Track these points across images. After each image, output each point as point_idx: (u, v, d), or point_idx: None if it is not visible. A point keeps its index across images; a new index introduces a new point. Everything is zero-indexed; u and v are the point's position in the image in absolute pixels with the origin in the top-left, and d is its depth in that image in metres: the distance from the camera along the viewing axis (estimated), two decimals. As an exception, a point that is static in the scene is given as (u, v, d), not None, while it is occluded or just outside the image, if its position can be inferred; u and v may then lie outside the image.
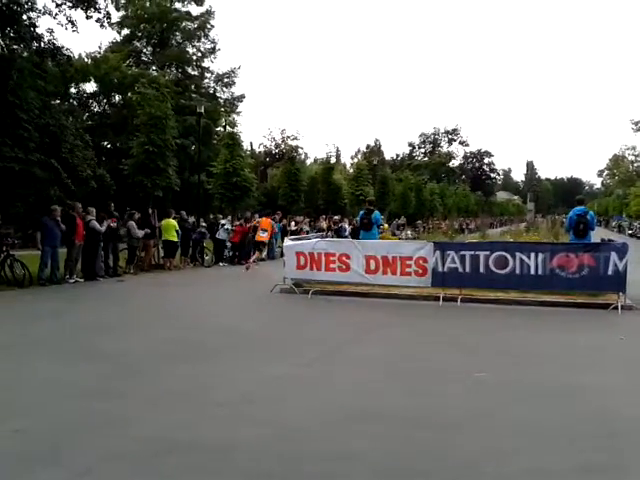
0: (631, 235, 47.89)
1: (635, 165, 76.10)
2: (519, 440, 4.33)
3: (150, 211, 18.52)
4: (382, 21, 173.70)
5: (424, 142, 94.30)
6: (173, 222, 17.93)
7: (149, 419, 4.71)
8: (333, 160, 49.17)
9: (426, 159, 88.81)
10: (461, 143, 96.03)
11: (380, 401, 5.24)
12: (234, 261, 20.09)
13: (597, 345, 7.78)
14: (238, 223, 21.42)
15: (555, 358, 7.00)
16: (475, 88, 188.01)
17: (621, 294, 10.31)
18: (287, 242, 13.62)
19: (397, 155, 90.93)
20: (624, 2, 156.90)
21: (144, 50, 44.31)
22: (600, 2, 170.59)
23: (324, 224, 26.26)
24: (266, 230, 19.02)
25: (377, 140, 71.86)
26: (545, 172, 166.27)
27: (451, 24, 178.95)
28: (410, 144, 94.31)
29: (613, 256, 10.33)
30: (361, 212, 14.99)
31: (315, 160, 49.38)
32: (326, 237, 18.02)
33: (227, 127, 34.52)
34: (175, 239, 17.78)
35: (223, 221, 20.61)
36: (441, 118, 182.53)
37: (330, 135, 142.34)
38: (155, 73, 30.05)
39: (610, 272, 10.28)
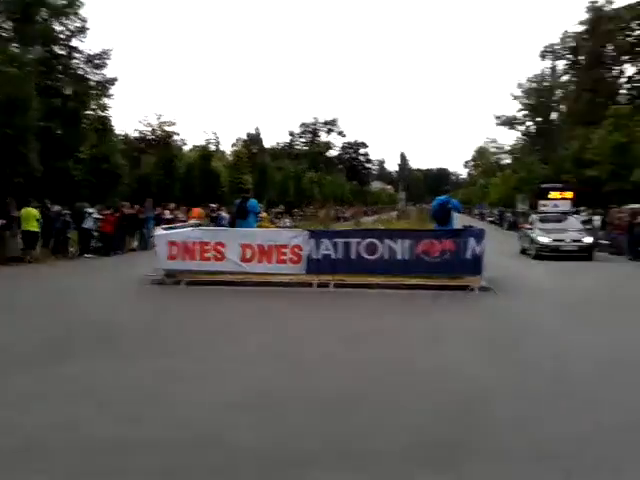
0: (491, 222, 51.88)
1: (496, 157, 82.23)
2: (392, 418, 4.52)
3: (7, 200, 16.98)
4: (263, 7, 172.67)
5: (304, 132, 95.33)
6: (34, 211, 16.59)
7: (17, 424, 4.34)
8: (213, 148, 48.13)
9: (306, 148, 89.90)
10: (339, 134, 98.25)
11: (265, 386, 5.25)
12: (103, 252, 18.96)
13: (459, 324, 8.32)
14: (108, 212, 20.25)
15: (422, 336, 7.41)
16: (353, 80, 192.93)
17: (478, 276, 11.11)
18: (159, 231, 13.13)
19: (277, 144, 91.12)
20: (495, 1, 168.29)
21: (3, 25, 40.32)
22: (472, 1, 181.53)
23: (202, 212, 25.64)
24: (197, 219, 18.62)
25: (257, 128, 71.24)
26: (417, 163, 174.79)
27: (330, 17, 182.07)
28: (290, 133, 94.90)
29: (472, 241, 11.08)
30: (237, 201, 14.84)
31: (194, 147, 48.03)
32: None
33: (97, 111, 32.48)
34: (36, 229, 16.46)
35: (90, 209, 19.29)
36: (321, 108, 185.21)
37: (209, 122, 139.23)
38: (17, 50, 27.44)
39: (469, 256, 11.03)
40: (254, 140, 66.22)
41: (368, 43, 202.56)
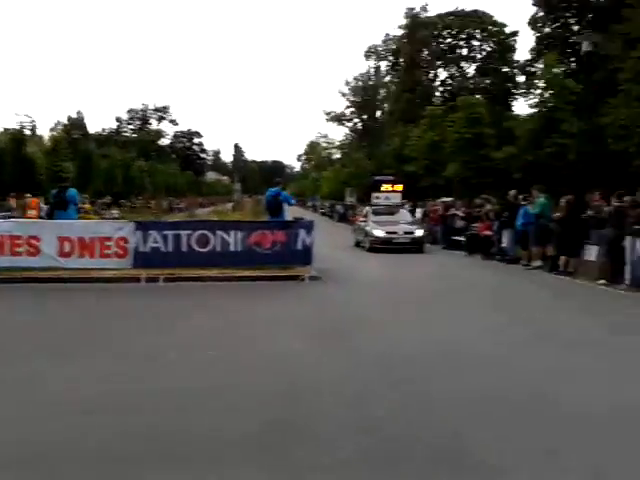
0: (322, 214, 53.94)
1: (327, 151, 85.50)
2: (217, 407, 4.40)
3: None
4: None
5: (132, 118, 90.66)
6: None
7: None
8: (28, 132, 43.65)
9: (135, 136, 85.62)
10: (171, 122, 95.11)
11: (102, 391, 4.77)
12: None
13: (289, 313, 8.45)
14: None
15: (253, 327, 7.40)
16: (186, 67, 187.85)
17: (308, 266, 11.42)
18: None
19: (103, 130, 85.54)
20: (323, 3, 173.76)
21: None
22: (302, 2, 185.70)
23: (13, 202, 23.16)
24: (34, 210, 16.41)
25: (80, 112, 66.07)
26: (252, 154, 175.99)
27: (163, 4, 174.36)
28: (118, 119, 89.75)
29: (302, 233, 11.35)
30: (54, 190, 13.59)
31: (5, 130, 43.14)
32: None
33: None
34: None
35: None
36: (151, 95, 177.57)
37: (23, 103, 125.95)
38: None
39: (299, 247, 11.29)
40: (76, 125, 61.50)
41: (202, 31, 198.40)
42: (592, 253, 12.24)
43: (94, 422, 4.23)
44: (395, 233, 18.26)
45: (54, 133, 46.31)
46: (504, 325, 7.80)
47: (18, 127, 40.32)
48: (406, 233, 18.31)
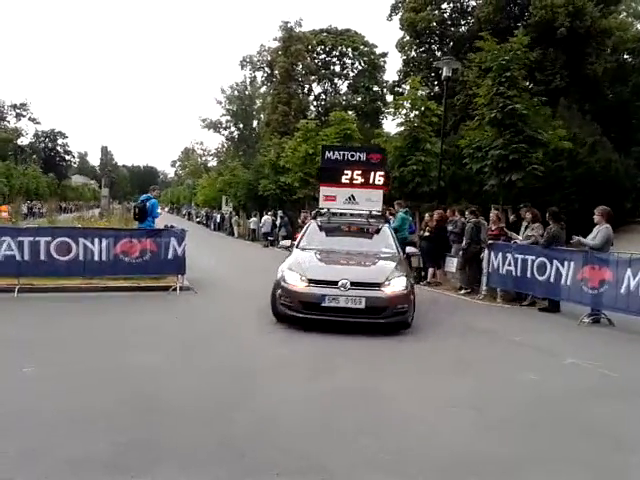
0: (198, 222, 52.88)
1: (203, 158, 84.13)
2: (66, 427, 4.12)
3: None
4: None
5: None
6: None
7: None
8: None
9: (-11, 133, 78.37)
10: (31, 120, 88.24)
11: None
12: None
13: (153, 325, 8.18)
14: None
15: (111, 340, 7.11)
16: (50, 63, 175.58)
17: (180, 276, 11.13)
18: None
19: (-50, 125, 77.44)
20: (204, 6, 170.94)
21: None
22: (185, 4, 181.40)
23: None
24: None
25: None
26: (123, 159, 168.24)
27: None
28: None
29: (173, 241, 11.05)
30: None
31: None
32: None
33: None
34: None
35: None
36: (6, 89, 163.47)
37: None
38: None
39: (170, 256, 10.98)
40: None
41: (69, 26, 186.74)
42: (453, 265, 13.18)
43: None
44: (335, 284, 8.04)
45: None
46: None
47: None
48: (363, 286, 8.09)
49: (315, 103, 53.87)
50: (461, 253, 12.57)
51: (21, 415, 4.51)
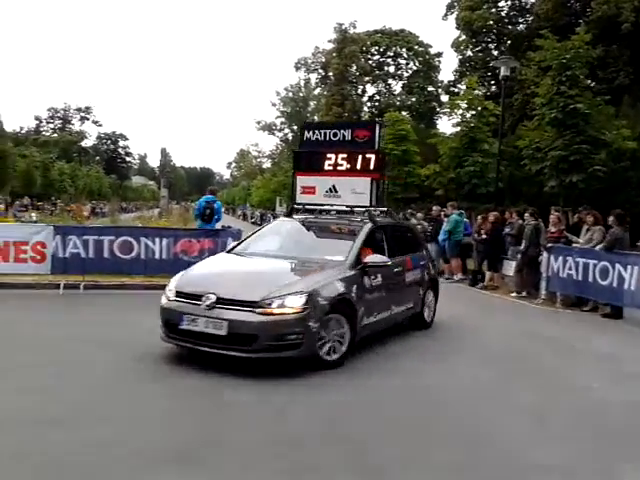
0: (253, 222, 53.70)
1: (257, 160, 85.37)
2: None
3: None
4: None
5: (53, 117, 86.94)
6: None
7: None
8: None
9: (55, 136, 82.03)
10: (94, 123, 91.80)
11: None
12: None
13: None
14: None
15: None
16: (113, 69, 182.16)
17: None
18: None
19: (21, 128, 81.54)
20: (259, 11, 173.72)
21: None
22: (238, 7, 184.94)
23: None
24: None
25: (-5, 109, 62.72)
26: (180, 160, 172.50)
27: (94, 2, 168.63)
28: (37, 118, 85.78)
29: (230, 241, 11.26)
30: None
31: None
32: None
33: None
34: None
35: None
36: (72, 94, 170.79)
37: None
38: None
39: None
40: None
41: (130, 32, 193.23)
42: (510, 268, 12.90)
43: None
44: (198, 300, 5.96)
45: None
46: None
47: None
48: (232, 304, 5.83)
49: (369, 104, 53.68)
50: (519, 256, 12.30)
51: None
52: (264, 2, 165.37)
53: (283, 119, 68.23)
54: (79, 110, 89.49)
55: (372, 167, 8.13)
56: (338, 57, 49.02)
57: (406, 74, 53.17)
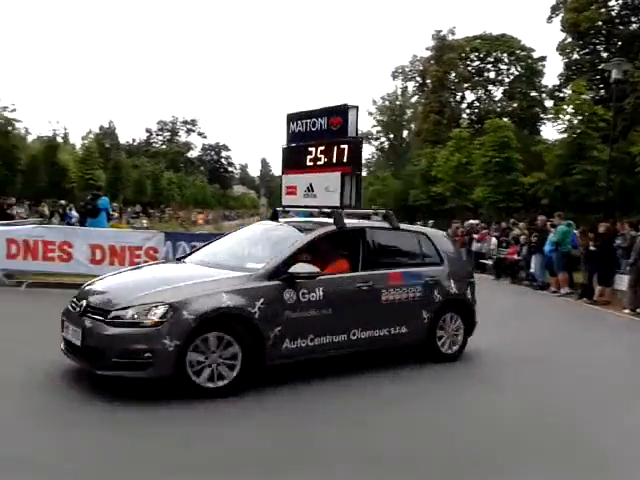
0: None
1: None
2: None
3: None
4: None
5: (162, 129, 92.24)
6: None
7: None
8: (60, 140, 44.84)
9: (164, 147, 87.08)
10: (200, 134, 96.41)
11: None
12: None
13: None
14: None
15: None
16: (214, 81, 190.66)
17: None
18: (-4, 227, 11.89)
19: (133, 140, 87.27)
20: (352, 19, 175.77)
21: None
22: (332, 17, 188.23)
23: (46, 209, 23.80)
24: None
25: (111, 122, 67.51)
26: (279, 169, 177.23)
27: (190, 12, 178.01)
28: (147, 130, 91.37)
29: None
30: (87, 198, 14.00)
31: (38, 137, 44.39)
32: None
33: None
34: None
35: None
36: (179, 107, 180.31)
37: (56, 112, 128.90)
38: None
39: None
40: (108, 134, 62.78)
41: (233, 47, 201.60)
42: (623, 282, 12.12)
43: None
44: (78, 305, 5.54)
45: (86, 142, 47.34)
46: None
47: (51, 135, 41.47)
48: (95, 312, 5.26)
49: (468, 111, 52.56)
50: (628, 269, 11.54)
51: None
52: (360, 13, 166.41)
53: (379, 128, 68.25)
54: (185, 123, 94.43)
55: (343, 160, 6.72)
56: (436, 64, 48.50)
57: (507, 79, 51.58)
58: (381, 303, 6.22)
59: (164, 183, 53.83)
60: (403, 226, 7.24)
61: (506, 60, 51.19)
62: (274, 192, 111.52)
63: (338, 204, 6.55)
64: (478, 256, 19.28)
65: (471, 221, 22.75)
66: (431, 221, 27.29)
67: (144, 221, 29.94)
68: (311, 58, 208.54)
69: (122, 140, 71.32)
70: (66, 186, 35.87)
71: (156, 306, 5.00)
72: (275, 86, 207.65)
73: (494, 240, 18.67)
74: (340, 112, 6.96)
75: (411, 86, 60.84)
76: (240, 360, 5.18)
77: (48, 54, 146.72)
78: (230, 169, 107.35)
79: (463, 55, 50.42)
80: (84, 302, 5.35)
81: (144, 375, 4.96)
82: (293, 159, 7.57)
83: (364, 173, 74.61)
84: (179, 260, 7.00)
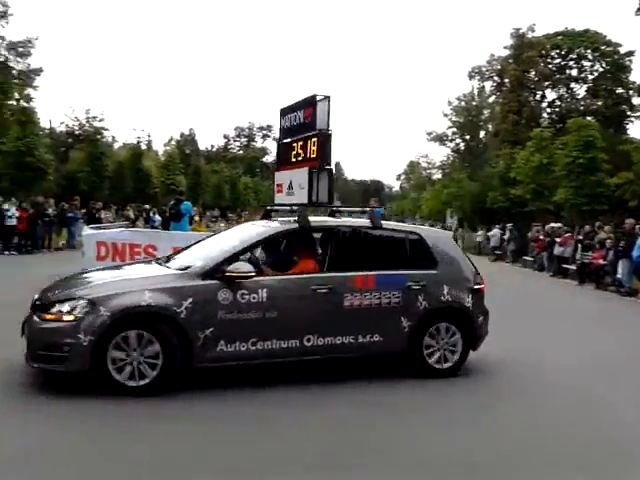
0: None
1: (427, 171, 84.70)
2: None
3: None
4: (203, 7, 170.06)
5: (239, 135, 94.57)
6: None
7: None
8: (144, 147, 47.09)
9: (241, 152, 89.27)
10: (275, 140, 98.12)
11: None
12: (25, 249, 18.26)
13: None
14: (23, 207, 19.31)
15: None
16: (288, 89, 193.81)
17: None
18: (87, 230, 12.68)
19: (212, 146, 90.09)
20: (428, 21, 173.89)
21: None
22: (407, 19, 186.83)
23: (131, 213, 25.00)
24: None
25: (191, 129, 70.08)
26: (351, 173, 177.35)
27: (263, 21, 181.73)
28: (225, 136, 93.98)
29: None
30: (170, 202, 14.60)
31: (124, 145, 46.79)
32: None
33: (21, 102, 31.12)
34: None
35: (6, 205, 18.49)
36: (255, 113, 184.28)
37: (141, 120, 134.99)
38: None
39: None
40: (188, 141, 65.18)
41: (303, 54, 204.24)
42: None
43: None
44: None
45: (168, 148, 49.44)
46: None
47: (136, 142, 43.58)
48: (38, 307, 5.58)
49: (548, 110, 50.60)
50: None
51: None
52: (434, 15, 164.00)
53: (455, 129, 66.96)
54: (261, 128, 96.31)
55: (312, 155, 6.58)
56: (515, 63, 47.04)
57: (591, 76, 49.27)
58: (344, 308, 5.71)
59: (241, 188, 55.23)
60: (390, 225, 6.62)
61: (590, 56, 48.95)
62: (347, 196, 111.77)
63: (307, 201, 6.50)
64: (560, 260, 18.62)
65: (552, 224, 21.92)
66: (509, 224, 26.48)
67: (222, 225, 30.81)
68: (385, 60, 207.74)
69: (201, 146, 73.93)
70: (150, 191, 37.54)
71: (77, 302, 5.09)
72: (347, 91, 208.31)
73: (577, 245, 17.96)
74: (311, 104, 6.68)
75: (488, 86, 59.31)
76: (161, 360, 5.08)
77: (133, 65, 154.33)
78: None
79: (543, 53, 48.63)
80: (36, 296, 5.56)
81: (62, 369, 5.06)
82: (280, 155, 7.53)
83: (439, 175, 73.60)
84: (159, 259, 6.74)
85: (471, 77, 60.36)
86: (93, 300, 5.07)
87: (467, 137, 66.89)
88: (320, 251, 6.22)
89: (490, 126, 58.91)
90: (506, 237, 25.74)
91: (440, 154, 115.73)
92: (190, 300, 5.19)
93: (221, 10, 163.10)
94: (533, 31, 48.09)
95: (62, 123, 42.74)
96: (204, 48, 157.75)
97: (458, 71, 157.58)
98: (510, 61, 48.25)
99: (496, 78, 55.17)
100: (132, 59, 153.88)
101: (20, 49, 40.68)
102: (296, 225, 5.99)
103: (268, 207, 7.38)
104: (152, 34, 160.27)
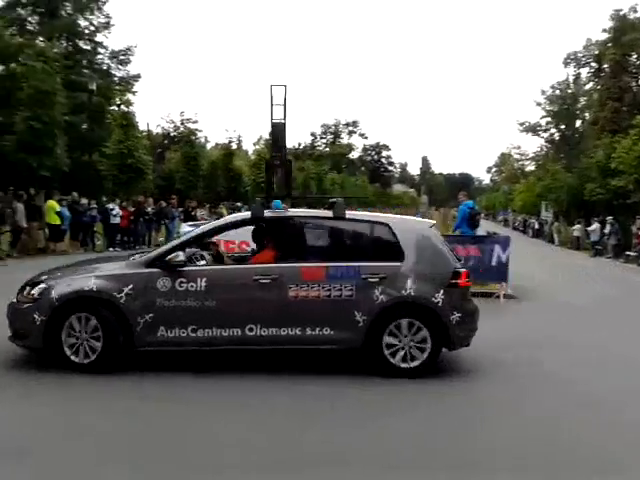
0: (514, 228, 51.49)
1: (519, 163, 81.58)
2: None
3: (33, 192, 17.45)
4: (290, 5, 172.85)
5: (325, 132, 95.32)
6: (53, 204, 17.03)
7: None
8: (234, 146, 48.64)
9: (327, 149, 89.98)
10: (361, 135, 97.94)
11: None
12: (128, 246, 19.42)
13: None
14: (124, 206, 20.51)
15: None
16: (375, 83, 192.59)
17: (504, 284, 11.04)
18: (184, 227, 13.35)
19: (299, 144, 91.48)
20: (519, 9, 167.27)
21: (29, 19, 41.00)
22: (497, 7, 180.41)
23: (224, 210, 25.87)
24: None
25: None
26: (439, 167, 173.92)
27: (352, 19, 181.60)
28: (312, 134, 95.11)
29: (497, 248, 11.03)
30: (260, 200, 14.94)
31: (216, 145, 48.54)
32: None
33: (122, 106, 33.01)
34: (55, 222, 16.87)
35: (111, 205, 19.75)
36: (342, 110, 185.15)
37: (231, 120, 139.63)
38: (42, 44, 27.86)
39: (494, 263, 10.98)
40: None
41: (391, 47, 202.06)
42: None
43: None
44: None
45: (257, 147, 50.71)
46: None
47: (227, 142, 45.02)
48: None
49: (654, 95, 47.16)
50: None
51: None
52: (528, 2, 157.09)
53: (549, 119, 63.94)
54: (347, 125, 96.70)
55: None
56: (615, 47, 44.20)
57: None
58: (288, 300, 5.64)
59: (328, 184, 55.70)
60: (355, 215, 6.27)
61: (702, 35, 45.18)
62: (434, 190, 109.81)
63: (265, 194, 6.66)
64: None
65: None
66: (609, 217, 24.98)
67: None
68: (474, 52, 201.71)
69: (289, 145, 75.16)
70: (241, 190, 38.69)
71: (39, 285, 5.70)
72: (436, 82, 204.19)
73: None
74: (271, 93, 6.82)
75: (585, 72, 56.20)
76: (102, 341, 5.51)
77: (223, 68, 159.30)
78: (390, 168, 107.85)
79: (647, 34, 45.38)
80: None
81: (23, 344, 5.74)
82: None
83: (532, 167, 70.61)
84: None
85: (566, 64, 57.50)
86: (49, 285, 5.67)
87: (562, 127, 63.72)
88: (275, 242, 6.19)
89: (587, 114, 55.85)
90: (607, 231, 24.27)
91: (533, 145, 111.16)
92: (131, 287, 5.57)
93: (305, 12, 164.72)
94: (635, 12, 45.00)
95: (158, 125, 44.98)
96: (292, 49, 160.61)
97: (551, 59, 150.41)
98: (609, 45, 45.44)
99: (594, 64, 52.19)
100: (222, 62, 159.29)
101: (121, 57, 43.28)
102: (248, 215, 6.19)
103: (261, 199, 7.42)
104: (241, 37, 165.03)
